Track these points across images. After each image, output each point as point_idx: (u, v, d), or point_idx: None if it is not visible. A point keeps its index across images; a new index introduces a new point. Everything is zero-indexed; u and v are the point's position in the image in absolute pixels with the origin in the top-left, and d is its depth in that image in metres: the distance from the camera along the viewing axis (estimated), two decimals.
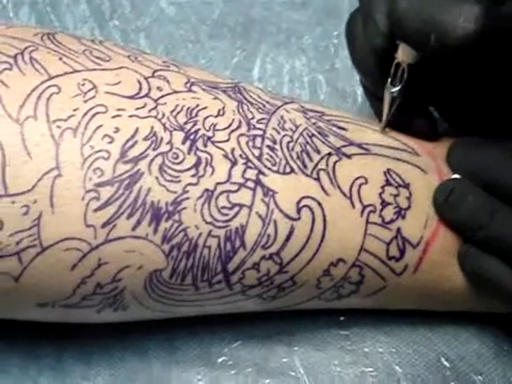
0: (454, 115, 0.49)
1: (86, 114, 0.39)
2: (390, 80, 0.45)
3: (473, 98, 0.47)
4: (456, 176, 0.45)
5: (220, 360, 0.48)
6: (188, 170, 0.40)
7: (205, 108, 0.42)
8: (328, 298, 0.45)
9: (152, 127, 0.40)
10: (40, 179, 0.38)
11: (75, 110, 0.39)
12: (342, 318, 0.49)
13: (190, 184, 0.40)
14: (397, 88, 0.45)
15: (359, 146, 0.45)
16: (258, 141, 0.42)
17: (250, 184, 0.41)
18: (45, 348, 0.48)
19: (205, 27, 0.64)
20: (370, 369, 0.48)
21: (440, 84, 0.46)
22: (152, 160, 0.40)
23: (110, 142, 0.39)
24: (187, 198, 0.40)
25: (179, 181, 0.40)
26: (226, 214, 0.40)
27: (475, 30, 0.39)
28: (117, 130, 0.40)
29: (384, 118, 0.47)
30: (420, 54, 0.42)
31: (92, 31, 0.64)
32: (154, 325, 0.46)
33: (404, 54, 0.43)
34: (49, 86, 0.40)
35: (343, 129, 0.46)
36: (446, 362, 0.48)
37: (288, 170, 0.42)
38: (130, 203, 0.39)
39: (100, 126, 0.39)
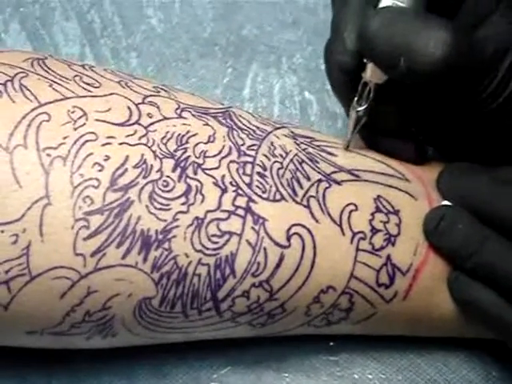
0: (437, 140, 0.49)
1: (75, 142, 0.39)
2: (356, 99, 0.45)
3: (450, 123, 0.47)
4: (446, 202, 0.45)
5: None
6: (178, 197, 0.40)
7: (195, 134, 0.42)
8: (317, 325, 0.45)
9: (142, 155, 0.40)
10: (29, 208, 0.38)
11: (65, 137, 0.39)
12: (331, 344, 0.49)
13: (180, 212, 0.40)
14: (362, 107, 0.45)
15: (349, 172, 0.45)
16: (249, 168, 0.42)
17: (240, 212, 0.41)
18: (33, 373, 0.47)
19: (196, 46, 0.64)
20: None
21: (416, 107, 0.46)
22: (142, 188, 0.39)
23: (100, 170, 0.39)
24: (177, 226, 0.40)
25: (169, 209, 0.40)
26: (216, 242, 0.40)
27: (444, 56, 0.39)
28: (107, 157, 0.39)
29: (348, 136, 0.47)
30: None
31: (82, 49, 0.64)
32: (143, 351, 0.46)
33: (372, 74, 0.43)
34: (39, 114, 0.39)
35: (333, 155, 0.46)
36: None
37: (278, 197, 0.42)
38: (120, 232, 0.39)
39: (90, 154, 0.39)
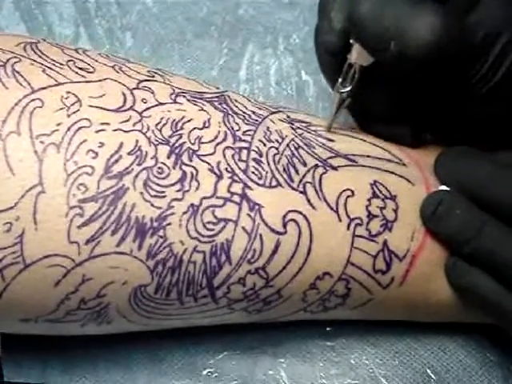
0: (431, 124, 0.49)
1: (69, 128, 0.39)
2: (340, 80, 0.45)
3: (442, 107, 0.46)
4: (444, 187, 0.45)
5: (205, 372, 0.47)
6: (173, 184, 0.40)
7: (190, 120, 0.42)
8: (314, 311, 0.45)
9: (137, 141, 0.40)
10: (23, 196, 0.37)
11: (59, 124, 0.39)
12: (328, 329, 0.49)
13: (176, 199, 0.39)
14: (346, 89, 0.45)
15: (346, 157, 0.45)
16: (244, 153, 0.42)
17: (236, 198, 0.41)
18: (28, 359, 0.47)
19: (191, 26, 0.63)
20: (356, 381, 0.47)
21: (405, 91, 0.46)
22: (137, 175, 0.39)
23: (94, 158, 0.39)
24: (172, 214, 0.39)
25: (164, 196, 0.39)
26: (212, 229, 0.40)
27: (436, 41, 0.39)
28: (101, 144, 0.39)
29: (331, 117, 0.47)
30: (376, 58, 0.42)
31: (77, 29, 0.63)
32: (139, 336, 0.46)
33: (357, 56, 0.43)
34: (32, 100, 0.39)
35: (330, 139, 0.46)
36: (432, 374, 0.48)
37: (274, 183, 0.42)
38: (115, 219, 0.38)
39: (84, 141, 0.39)
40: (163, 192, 0.39)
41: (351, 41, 0.43)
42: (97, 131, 0.39)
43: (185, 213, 0.40)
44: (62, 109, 0.39)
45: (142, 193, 0.39)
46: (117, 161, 0.39)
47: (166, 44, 0.63)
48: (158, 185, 0.39)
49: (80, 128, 0.39)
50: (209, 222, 0.40)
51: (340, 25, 0.43)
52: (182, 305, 0.41)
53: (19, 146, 0.38)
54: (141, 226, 0.39)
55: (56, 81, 0.40)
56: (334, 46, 0.44)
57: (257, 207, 0.41)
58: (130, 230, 0.39)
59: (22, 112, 0.38)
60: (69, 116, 0.39)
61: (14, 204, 0.37)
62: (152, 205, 0.39)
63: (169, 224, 0.39)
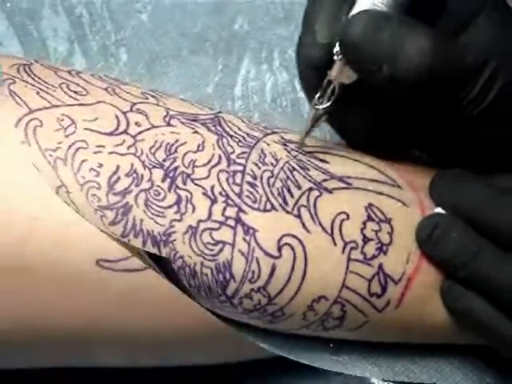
0: (423, 145, 0.49)
1: (70, 147, 0.39)
2: (317, 96, 0.44)
3: (433, 129, 0.46)
4: (439, 210, 0.44)
5: None
6: (170, 206, 0.40)
7: (184, 143, 0.42)
8: (315, 329, 0.45)
9: (132, 164, 0.40)
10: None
11: (59, 142, 0.39)
12: (331, 345, 0.48)
13: (175, 220, 0.40)
14: (323, 106, 0.44)
15: (340, 179, 0.44)
16: (238, 177, 0.42)
17: (231, 222, 0.41)
18: None
19: (186, 42, 0.63)
20: None
21: (390, 111, 0.46)
22: (137, 195, 0.40)
23: (97, 176, 0.39)
24: (175, 232, 0.40)
25: (165, 216, 0.40)
26: (212, 249, 0.40)
27: (428, 65, 0.39)
28: (100, 165, 0.40)
29: (303, 134, 0.46)
30: (360, 77, 0.42)
31: (71, 44, 0.63)
32: None
33: (339, 73, 0.42)
34: (31, 119, 0.39)
35: (325, 161, 0.45)
36: None
37: (269, 207, 0.42)
38: (131, 228, 0.39)
39: (85, 160, 0.39)
40: (163, 212, 0.40)
41: (335, 57, 0.42)
42: (94, 152, 0.40)
43: (185, 233, 0.40)
44: (59, 129, 0.40)
45: (144, 211, 0.39)
46: (117, 181, 0.39)
47: (161, 60, 0.62)
48: (157, 206, 0.40)
49: (79, 148, 0.39)
50: (208, 243, 0.40)
51: (324, 39, 0.42)
52: (213, 303, 0.42)
53: (33, 155, 0.39)
54: (153, 238, 0.40)
55: (50, 103, 0.41)
56: (318, 61, 0.43)
57: (251, 231, 0.41)
58: (147, 238, 0.39)
59: (26, 129, 0.39)
60: (67, 136, 0.40)
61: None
62: (156, 222, 0.40)
63: (174, 240, 0.40)
